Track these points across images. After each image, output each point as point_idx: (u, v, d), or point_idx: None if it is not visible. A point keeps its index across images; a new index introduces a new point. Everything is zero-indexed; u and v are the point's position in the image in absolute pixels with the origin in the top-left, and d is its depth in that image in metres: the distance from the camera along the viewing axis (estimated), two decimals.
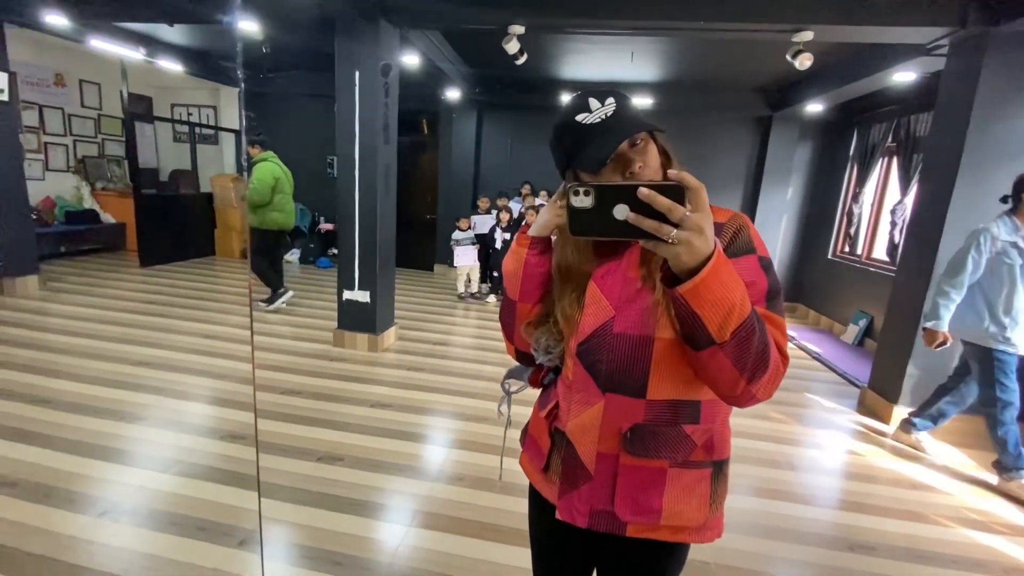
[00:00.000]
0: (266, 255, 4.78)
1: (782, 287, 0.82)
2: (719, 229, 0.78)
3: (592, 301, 0.84)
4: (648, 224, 0.60)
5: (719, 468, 0.87)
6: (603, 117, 0.76)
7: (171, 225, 6.43)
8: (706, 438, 0.85)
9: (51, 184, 6.46)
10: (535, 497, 1.01)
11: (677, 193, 0.59)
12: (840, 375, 4.16)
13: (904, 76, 3.89)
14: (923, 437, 2.91)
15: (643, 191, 0.59)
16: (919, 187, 3.32)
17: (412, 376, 3.47)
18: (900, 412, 3.20)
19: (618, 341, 0.81)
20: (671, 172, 0.61)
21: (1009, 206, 2.48)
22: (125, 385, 2.99)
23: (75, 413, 2.63)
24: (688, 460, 0.84)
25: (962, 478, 2.66)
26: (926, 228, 3.13)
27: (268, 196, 4.52)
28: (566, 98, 5.99)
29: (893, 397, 3.25)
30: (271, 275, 4.76)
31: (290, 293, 4.84)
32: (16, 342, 3.50)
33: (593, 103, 0.77)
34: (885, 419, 3.27)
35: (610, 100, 0.77)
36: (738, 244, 0.78)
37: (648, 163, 0.78)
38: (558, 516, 0.90)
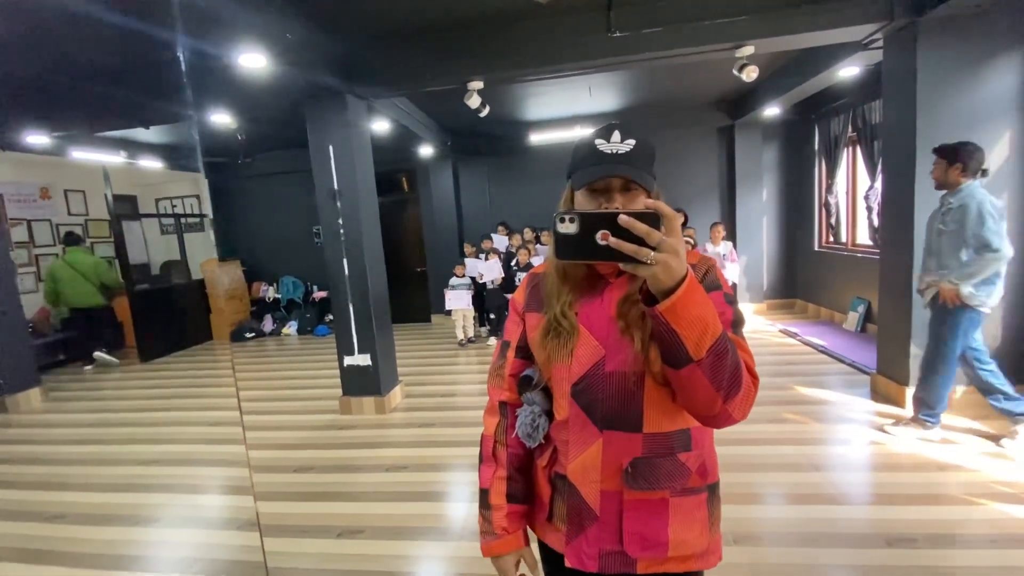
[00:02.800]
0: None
1: (744, 317, 0.89)
2: (692, 269, 0.83)
3: (582, 343, 0.87)
4: (628, 247, 0.65)
5: (713, 491, 0.92)
6: (614, 151, 0.82)
7: (167, 317, 6.49)
8: (699, 463, 0.89)
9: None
10: (543, 550, 1.01)
11: (653, 220, 0.65)
12: (849, 364, 4.15)
13: (849, 71, 4.08)
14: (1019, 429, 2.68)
15: (623, 218, 0.65)
16: (884, 172, 3.42)
17: (423, 433, 3.44)
18: (913, 393, 3.19)
19: (611, 379, 0.85)
20: (647, 201, 0.67)
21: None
22: (137, 487, 2.95)
23: (89, 525, 2.58)
24: (686, 487, 0.88)
25: (985, 452, 2.63)
26: (898, 210, 3.21)
27: (49, 290, 5.70)
28: (535, 138, 6.17)
29: (903, 379, 3.24)
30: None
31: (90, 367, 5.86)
32: (24, 459, 3.46)
33: (615, 136, 0.84)
34: (900, 403, 3.25)
35: (630, 141, 0.83)
36: (707, 282, 0.86)
37: (628, 208, 0.83)
38: (568, 564, 0.90)
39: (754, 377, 0.79)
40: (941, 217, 2.65)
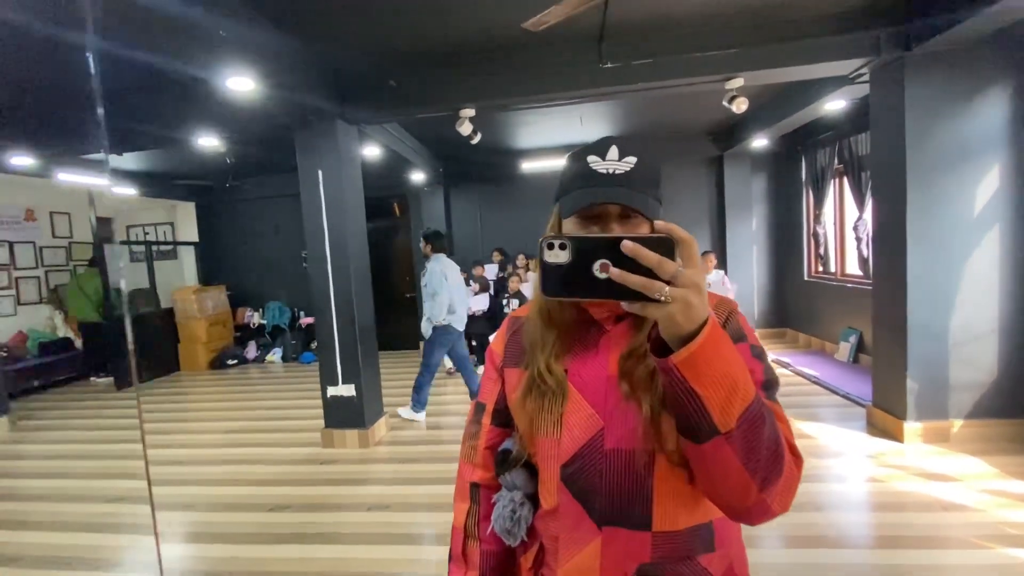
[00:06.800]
0: None
1: (766, 349, 0.75)
2: None
3: (574, 410, 0.69)
4: (636, 280, 0.50)
5: None
6: (611, 171, 0.67)
7: (140, 345, 6.30)
8: (725, 566, 0.70)
9: (24, 318, 6.35)
10: None
11: (666, 247, 0.51)
12: (843, 396, 4.08)
13: (835, 104, 4.14)
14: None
15: (627, 244, 0.51)
16: (875, 203, 3.43)
17: (408, 469, 3.29)
18: (911, 427, 3.12)
19: (613, 459, 0.67)
20: (658, 224, 0.53)
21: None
22: (101, 527, 2.76)
23: (45, 569, 2.40)
24: None
25: (991, 491, 2.55)
26: (891, 241, 3.19)
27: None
28: (527, 165, 6.19)
29: (900, 413, 3.17)
30: None
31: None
32: None
33: (612, 152, 0.68)
34: (898, 437, 3.17)
35: (631, 159, 0.68)
36: (729, 331, 0.68)
37: None
38: None
39: (796, 457, 0.62)
40: (423, 276, 4.07)
